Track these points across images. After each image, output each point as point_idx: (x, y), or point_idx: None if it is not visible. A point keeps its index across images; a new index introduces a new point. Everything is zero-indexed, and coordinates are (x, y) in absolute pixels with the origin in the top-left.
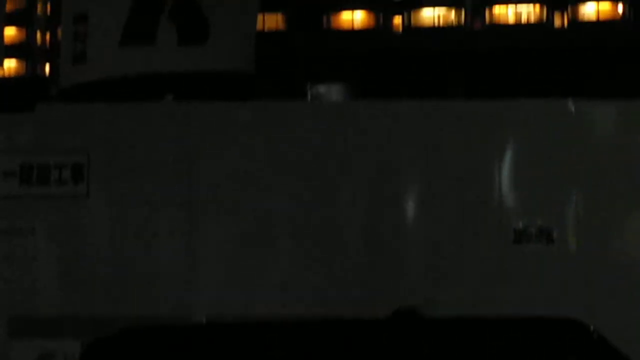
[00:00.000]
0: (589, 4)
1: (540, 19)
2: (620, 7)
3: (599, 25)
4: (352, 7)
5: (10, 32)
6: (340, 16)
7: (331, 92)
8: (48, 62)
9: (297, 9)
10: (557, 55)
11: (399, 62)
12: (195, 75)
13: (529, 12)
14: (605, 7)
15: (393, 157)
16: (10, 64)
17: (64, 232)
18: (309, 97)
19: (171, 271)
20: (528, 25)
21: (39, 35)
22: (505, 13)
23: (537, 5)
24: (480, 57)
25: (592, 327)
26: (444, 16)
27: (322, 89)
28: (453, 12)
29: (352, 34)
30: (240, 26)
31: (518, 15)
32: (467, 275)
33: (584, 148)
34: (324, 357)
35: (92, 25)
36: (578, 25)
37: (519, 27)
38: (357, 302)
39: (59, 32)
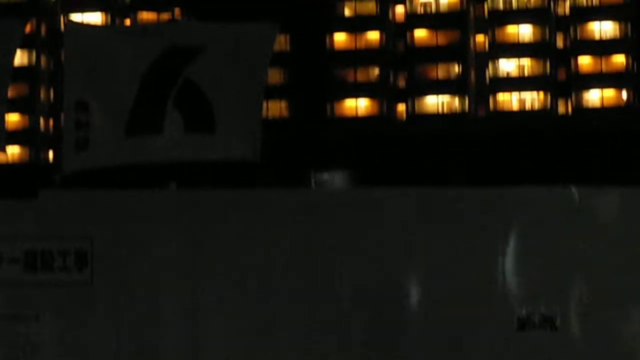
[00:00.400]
0: (592, 90)
1: (545, 105)
2: (624, 94)
3: (603, 111)
4: (356, 95)
5: (13, 118)
6: (344, 103)
7: (335, 179)
8: (51, 148)
9: (301, 96)
10: (561, 142)
11: (402, 149)
12: (200, 163)
13: (532, 99)
14: (609, 93)
15: (395, 244)
16: (14, 150)
17: (68, 319)
18: (312, 184)
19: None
20: (532, 112)
21: (42, 121)
22: (509, 100)
23: (541, 92)
24: (484, 143)
25: None
26: (447, 103)
27: (325, 176)
28: (457, 99)
29: (356, 121)
30: (245, 114)
31: (522, 102)
32: None
33: (587, 235)
34: None
35: (94, 113)
36: (582, 112)
37: (523, 114)
38: None
39: (62, 118)
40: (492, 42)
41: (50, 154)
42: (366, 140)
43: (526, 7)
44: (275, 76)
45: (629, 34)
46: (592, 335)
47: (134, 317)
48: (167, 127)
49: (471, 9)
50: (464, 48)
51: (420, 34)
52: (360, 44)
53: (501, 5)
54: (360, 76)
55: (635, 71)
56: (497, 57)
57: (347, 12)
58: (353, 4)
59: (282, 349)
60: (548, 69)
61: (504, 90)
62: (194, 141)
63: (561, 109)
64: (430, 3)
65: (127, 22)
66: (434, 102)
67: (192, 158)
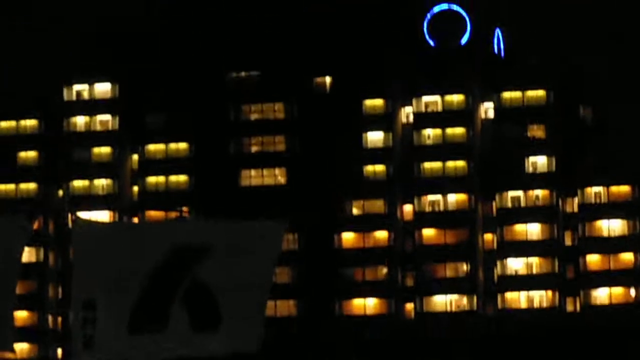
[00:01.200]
0: (601, 289)
1: (553, 303)
2: (632, 292)
3: (611, 309)
4: (364, 294)
5: (21, 315)
6: (353, 302)
7: None
8: (59, 345)
9: (309, 295)
10: (570, 340)
11: (411, 349)
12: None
13: (541, 298)
14: (618, 291)
15: None
16: (22, 347)
17: None
18: None
19: None
20: (540, 309)
21: (50, 318)
22: (517, 298)
23: (549, 291)
24: (493, 342)
25: None
26: (456, 302)
27: None
28: (465, 297)
29: (364, 320)
30: (251, 310)
31: (530, 300)
32: None
33: None
34: None
35: (101, 311)
36: (591, 310)
37: (531, 312)
38: None
39: (70, 315)
40: (501, 241)
41: (59, 351)
42: (375, 341)
43: (534, 205)
44: (283, 275)
45: (638, 231)
46: None
47: None
48: (172, 325)
49: (479, 207)
50: (472, 247)
51: (429, 232)
52: (369, 242)
53: (509, 204)
54: (369, 275)
55: None
56: (506, 256)
57: (355, 211)
58: (361, 203)
59: None
60: (556, 267)
61: (512, 289)
62: (198, 339)
63: (569, 307)
64: (439, 201)
65: (135, 220)
66: (442, 301)
67: (195, 355)
